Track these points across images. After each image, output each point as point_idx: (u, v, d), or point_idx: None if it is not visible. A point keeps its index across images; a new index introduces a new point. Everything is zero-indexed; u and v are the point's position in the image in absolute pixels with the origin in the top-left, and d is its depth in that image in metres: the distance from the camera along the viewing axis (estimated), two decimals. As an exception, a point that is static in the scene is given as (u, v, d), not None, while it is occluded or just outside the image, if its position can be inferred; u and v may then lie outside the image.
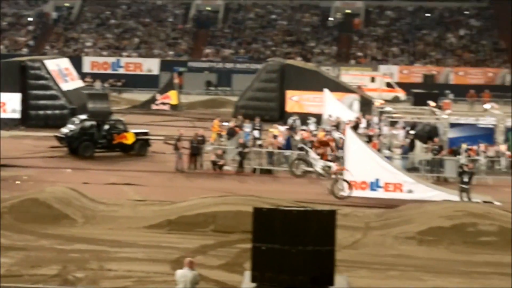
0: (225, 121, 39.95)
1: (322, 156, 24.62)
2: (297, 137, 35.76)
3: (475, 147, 34.86)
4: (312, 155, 24.68)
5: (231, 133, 37.48)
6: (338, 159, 24.90)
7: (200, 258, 21.19)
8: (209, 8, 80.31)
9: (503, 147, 35.31)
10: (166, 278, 19.35)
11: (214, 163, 34.03)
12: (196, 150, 34.10)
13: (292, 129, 39.34)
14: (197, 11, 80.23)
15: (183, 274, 15.47)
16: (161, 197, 28.01)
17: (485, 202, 28.06)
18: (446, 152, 34.75)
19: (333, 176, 24.66)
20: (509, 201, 25.31)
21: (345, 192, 24.76)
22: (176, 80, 57.72)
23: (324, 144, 25.02)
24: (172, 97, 55.83)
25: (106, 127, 36.68)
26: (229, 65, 72.44)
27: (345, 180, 24.48)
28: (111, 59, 73.55)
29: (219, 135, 38.67)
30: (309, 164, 24.58)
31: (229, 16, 79.45)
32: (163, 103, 55.58)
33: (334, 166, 24.56)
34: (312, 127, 40.35)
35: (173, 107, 55.51)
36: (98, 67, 72.67)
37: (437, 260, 22.71)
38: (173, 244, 22.94)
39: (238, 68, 71.46)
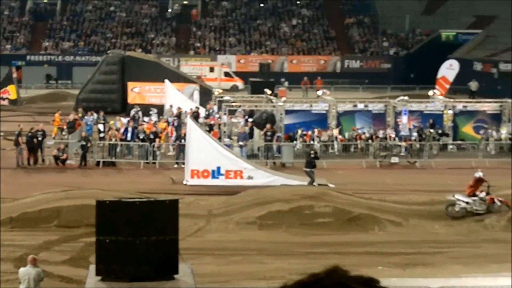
0: (66, 115, 39.56)
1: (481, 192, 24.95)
2: (140, 128, 36.09)
3: (309, 132, 36.32)
4: (461, 197, 24.93)
5: (73, 127, 37.28)
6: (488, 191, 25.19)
7: (44, 255, 21.17)
8: (46, 0, 78.60)
9: (335, 132, 36.89)
10: (9, 277, 19.23)
11: (56, 157, 33.76)
12: (31, 144, 33.62)
13: (134, 120, 39.56)
14: (34, 4, 78.29)
15: (26, 271, 15.43)
16: (2, 194, 27.42)
17: (320, 184, 29.36)
18: (282, 137, 35.95)
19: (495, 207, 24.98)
20: (341, 182, 26.56)
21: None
22: (14, 75, 56.40)
23: (475, 186, 25.19)
24: (11, 91, 54.56)
25: None
26: (68, 58, 71.25)
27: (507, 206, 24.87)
28: None
29: (61, 129, 38.34)
30: (463, 203, 24.91)
31: (67, 8, 78.03)
32: (2, 98, 54.17)
33: (487, 197, 24.95)
34: (154, 118, 40.70)
35: (13, 102, 54.23)
36: None
37: (277, 243, 23.66)
38: (15, 241, 22.75)
39: (78, 61, 70.45)
